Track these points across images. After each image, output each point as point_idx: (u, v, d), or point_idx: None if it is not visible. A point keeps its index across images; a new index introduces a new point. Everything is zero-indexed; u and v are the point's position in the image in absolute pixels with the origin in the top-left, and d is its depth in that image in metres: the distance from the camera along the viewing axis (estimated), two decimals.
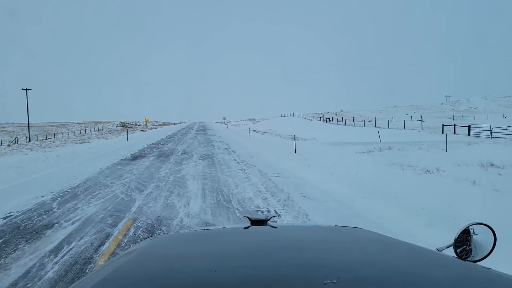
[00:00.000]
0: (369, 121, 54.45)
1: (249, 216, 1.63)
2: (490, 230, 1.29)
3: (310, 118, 63.04)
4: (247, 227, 1.49)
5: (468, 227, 1.32)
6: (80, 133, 64.37)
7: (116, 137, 41.73)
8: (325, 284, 0.81)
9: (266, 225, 1.53)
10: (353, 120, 50.93)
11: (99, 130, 73.17)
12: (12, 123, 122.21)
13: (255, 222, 1.55)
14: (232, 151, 17.56)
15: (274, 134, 43.80)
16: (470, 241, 1.31)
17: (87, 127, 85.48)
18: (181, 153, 16.45)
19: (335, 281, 0.82)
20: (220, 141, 24.75)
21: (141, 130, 60.99)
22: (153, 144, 22.85)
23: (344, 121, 51.81)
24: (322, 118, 56.91)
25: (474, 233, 1.32)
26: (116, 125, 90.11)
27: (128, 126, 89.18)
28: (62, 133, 59.71)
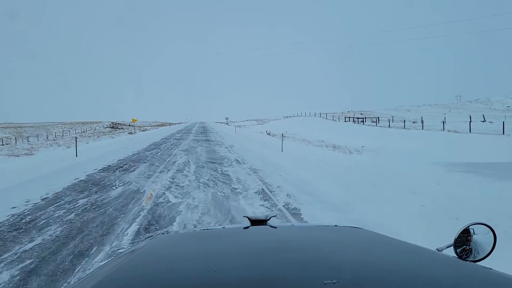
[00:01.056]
0: (413, 122, 43.31)
1: (248, 216, 1.61)
2: (490, 230, 1.27)
3: (334, 119, 51.85)
4: (247, 227, 1.47)
5: (468, 227, 1.29)
6: (55, 136, 53.24)
7: (87, 143, 30.72)
8: (325, 284, 0.80)
9: (265, 225, 1.52)
10: (404, 121, 39.74)
11: (81, 132, 62.22)
12: (11, 122, 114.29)
13: (255, 222, 1.54)
14: (293, 209, 6.29)
15: (299, 139, 32.92)
16: (470, 241, 1.28)
17: (72, 128, 74.47)
18: (136, 232, 5.28)
19: (335, 281, 0.81)
20: (237, 160, 13.48)
21: (129, 133, 50.05)
22: (108, 167, 11.66)
23: (392, 122, 40.52)
24: (351, 119, 45.70)
25: (474, 233, 1.29)
26: (105, 126, 79.02)
27: (119, 127, 78.03)
28: (28, 137, 48.53)
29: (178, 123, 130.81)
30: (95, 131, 65.80)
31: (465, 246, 1.28)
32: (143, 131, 59.26)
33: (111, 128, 74.54)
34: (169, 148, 18.94)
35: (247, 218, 1.60)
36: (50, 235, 4.92)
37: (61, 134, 55.57)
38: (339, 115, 56.00)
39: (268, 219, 1.57)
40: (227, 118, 76.42)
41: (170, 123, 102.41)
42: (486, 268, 1.01)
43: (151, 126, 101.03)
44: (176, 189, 8.09)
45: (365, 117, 44.19)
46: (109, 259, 1.79)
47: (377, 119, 43.96)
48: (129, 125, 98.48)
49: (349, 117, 47.70)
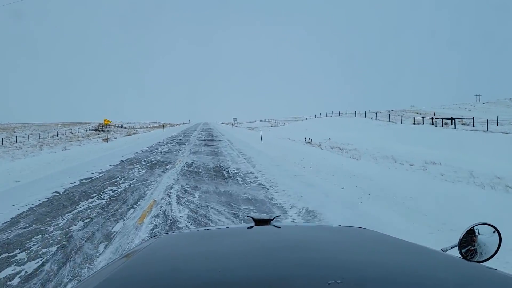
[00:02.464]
0: None
1: (252, 215, 1.59)
2: (495, 231, 1.25)
3: (391, 120, 36.81)
4: (251, 227, 1.46)
5: (473, 227, 1.28)
6: (2, 143, 38.63)
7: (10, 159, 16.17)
8: (329, 284, 0.79)
9: (269, 225, 1.49)
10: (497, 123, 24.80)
11: (48, 137, 47.64)
12: (13, 123, 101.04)
13: (258, 222, 1.51)
14: None
15: (377, 155, 18.43)
16: (475, 241, 1.26)
17: (47, 130, 59.99)
18: None
19: (339, 281, 0.80)
20: None
21: (104, 140, 35.45)
22: None
23: (493, 125, 25.48)
24: (434, 120, 30.61)
25: (479, 234, 1.27)
26: (87, 129, 64.23)
27: (104, 129, 63.33)
28: None
29: (179, 124, 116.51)
30: (71, 134, 51.35)
31: (470, 247, 1.25)
32: (129, 135, 44.51)
33: (94, 130, 59.87)
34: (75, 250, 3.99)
35: (251, 218, 1.56)
36: None
37: (15, 140, 40.90)
38: (393, 114, 40.88)
39: (272, 219, 1.53)
40: (235, 119, 62.29)
41: (164, 125, 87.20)
42: (491, 268, 0.99)
43: (149, 127, 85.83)
44: None
45: (453, 118, 29.13)
46: (114, 258, 1.43)
47: (473, 120, 28.85)
48: (122, 127, 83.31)
49: (422, 118, 32.55)
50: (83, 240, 4.64)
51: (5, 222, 5.49)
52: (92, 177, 9.70)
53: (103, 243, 4.53)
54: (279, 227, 1.44)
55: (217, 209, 6.18)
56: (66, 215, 5.88)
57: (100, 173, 10.50)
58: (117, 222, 5.44)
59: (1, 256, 4.10)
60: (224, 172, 10.70)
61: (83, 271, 3.66)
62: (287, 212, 5.99)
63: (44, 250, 4.27)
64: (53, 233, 4.92)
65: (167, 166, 11.97)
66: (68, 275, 3.59)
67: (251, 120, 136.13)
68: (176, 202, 6.73)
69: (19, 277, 3.54)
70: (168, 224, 5.31)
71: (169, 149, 18.71)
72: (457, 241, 1.24)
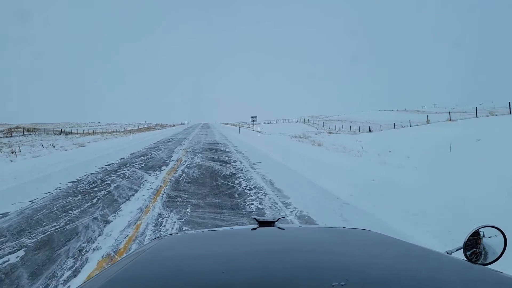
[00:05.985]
0: None
1: (256, 217, 1.59)
2: (500, 233, 1.23)
3: None
4: (255, 229, 1.44)
5: (478, 229, 1.26)
6: None
7: None
8: (333, 286, 0.79)
9: (273, 226, 1.48)
10: None
11: None
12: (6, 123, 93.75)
13: (262, 224, 1.51)
14: None
15: None
16: (480, 244, 1.24)
17: None
18: None
19: (343, 283, 0.80)
20: None
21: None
22: None
23: None
24: None
25: (484, 236, 1.25)
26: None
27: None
28: None
29: (171, 126, 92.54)
30: None
31: (474, 249, 1.23)
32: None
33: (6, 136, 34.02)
34: None
35: (255, 220, 1.56)
36: None
37: None
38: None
39: (276, 221, 1.52)
40: (254, 119, 40.27)
41: (151, 127, 60.66)
42: (496, 271, 0.97)
43: (121, 131, 56.02)
44: None
45: None
46: (118, 260, 1.62)
47: None
48: (71, 133, 53.43)
49: None
50: None
51: None
52: None
53: None
54: (283, 229, 1.42)
55: None
56: None
57: None
58: None
59: None
60: None
61: None
62: None
63: None
64: None
65: None
66: None
67: (266, 119, 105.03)
68: None
69: None
70: None
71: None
72: (462, 244, 1.21)
